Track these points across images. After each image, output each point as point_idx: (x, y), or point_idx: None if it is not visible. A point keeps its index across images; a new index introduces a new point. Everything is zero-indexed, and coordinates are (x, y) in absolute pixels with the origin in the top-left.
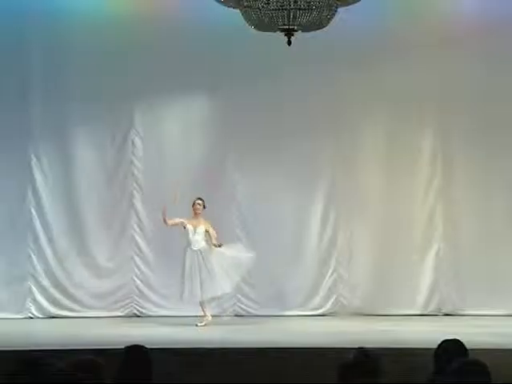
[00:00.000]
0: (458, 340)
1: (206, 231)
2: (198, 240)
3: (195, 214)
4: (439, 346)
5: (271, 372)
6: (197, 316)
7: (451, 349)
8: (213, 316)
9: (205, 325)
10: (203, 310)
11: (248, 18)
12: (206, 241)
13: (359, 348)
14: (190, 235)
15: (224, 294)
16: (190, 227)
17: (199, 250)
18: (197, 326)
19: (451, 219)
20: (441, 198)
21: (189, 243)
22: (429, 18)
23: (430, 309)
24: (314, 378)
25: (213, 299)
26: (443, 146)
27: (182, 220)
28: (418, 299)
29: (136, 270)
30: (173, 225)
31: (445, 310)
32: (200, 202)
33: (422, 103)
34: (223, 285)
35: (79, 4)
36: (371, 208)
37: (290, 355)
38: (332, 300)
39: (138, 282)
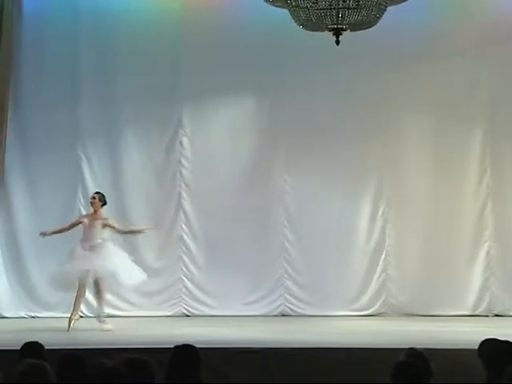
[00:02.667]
0: (509, 342)
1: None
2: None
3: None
4: (489, 346)
5: (320, 372)
6: (249, 315)
7: (503, 351)
8: (261, 316)
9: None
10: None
11: (296, 18)
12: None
13: (410, 348)
14: None
15: None
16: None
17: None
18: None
19: (501, 218)
20: (491, 197)
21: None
22: (478, 16)
23: (481, 309)
24: (365, 378)
25: None
26: (492, 145)
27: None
28: (467, 300)
29: (184, 269)
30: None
31: (495, 311)
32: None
33: (471, 102)
34: None
35: (129, 3)
36: (420, 207)
37: (339, 355)
38: (381, 300)
39: (187, 281)
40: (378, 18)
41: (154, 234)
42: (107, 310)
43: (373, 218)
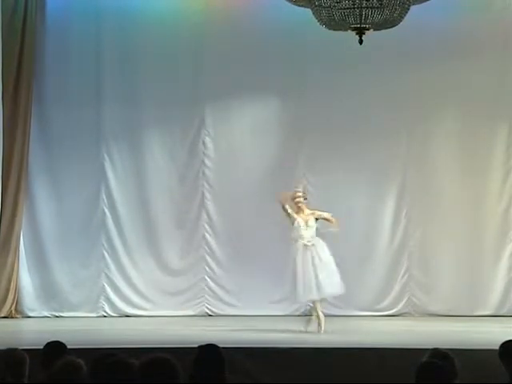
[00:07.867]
0: None
1: (317, 220)
2: (312, 234)
3: (298, 207)
4: (509, 347)
5: (345, 371)
6: (273, 315)
7: None
8: (284, 316)
9: (319, 327)
10: (316, 310)
11: (319, 17)
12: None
13: (434, 349)
14: (302, 230)
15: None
16: (300, 221)
17: (313, 244)
18: (306, 331)
19: None
20: None
21: (301, 238)
22: (503, 15)
23: (505, 310)
24: (388, 378)
25: (328, 297)
26: None
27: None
28: (492, 300)
29: (207, 269)
30: (287, 215)
31: None
32: (300, 193)
33: (496, 102)
34: (340, 282)
35: (152, 4)
36: (444, 207)
37: (363, 355)
38: (404, 300)
39: (210, 281)
40: (402, 17)
41: (177, 234)
42: (131, 310)
43: (396, 218)
